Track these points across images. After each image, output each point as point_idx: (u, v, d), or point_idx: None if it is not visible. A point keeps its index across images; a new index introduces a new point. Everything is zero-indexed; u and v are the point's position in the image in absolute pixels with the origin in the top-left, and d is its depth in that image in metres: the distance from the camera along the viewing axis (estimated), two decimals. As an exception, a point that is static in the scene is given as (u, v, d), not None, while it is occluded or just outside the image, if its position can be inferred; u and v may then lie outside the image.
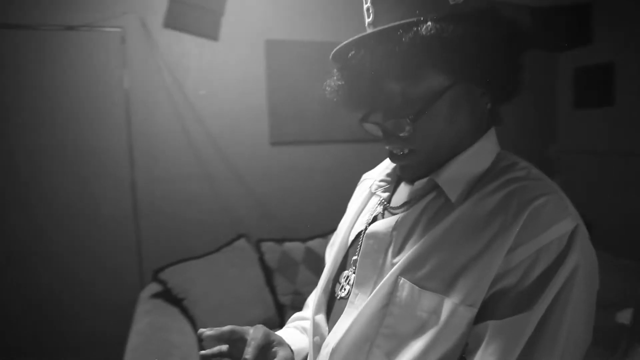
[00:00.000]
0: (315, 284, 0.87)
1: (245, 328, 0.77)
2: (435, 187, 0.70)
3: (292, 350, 0.82)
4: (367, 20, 0.69)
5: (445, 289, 0.62)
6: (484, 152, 0.70)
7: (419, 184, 0.72)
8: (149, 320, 2.08)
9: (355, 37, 0.66)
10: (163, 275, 2.33)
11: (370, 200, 0.84)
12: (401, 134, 0.66)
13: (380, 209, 0.79)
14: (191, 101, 2.73)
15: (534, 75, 3.50)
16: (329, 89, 0.76)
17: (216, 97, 2.78)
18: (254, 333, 0.76)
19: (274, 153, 2.92)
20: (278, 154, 2.93)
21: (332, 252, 0.84)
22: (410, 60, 0.61)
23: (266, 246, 2.64)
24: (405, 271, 0.66)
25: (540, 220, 0.59)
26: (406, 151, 0.69)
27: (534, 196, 0.61)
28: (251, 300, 2.36)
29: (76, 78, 2.54)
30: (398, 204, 0.75)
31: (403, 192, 0.77)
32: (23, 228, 2.53)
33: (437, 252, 0.64)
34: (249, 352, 0.72)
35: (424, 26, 0.60)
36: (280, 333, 0.88)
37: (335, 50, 0.70)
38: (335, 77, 0.75)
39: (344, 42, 0.68)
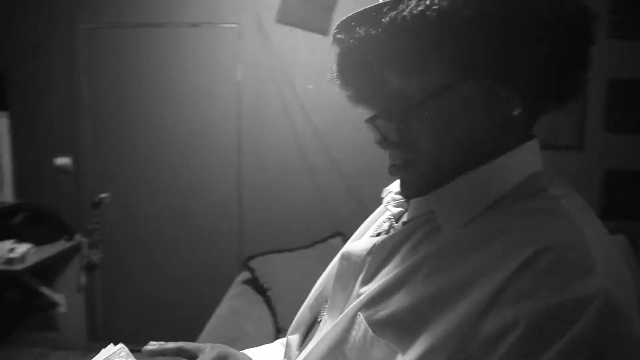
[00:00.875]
0: None
1: (201, 346, 0.66)
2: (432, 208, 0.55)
3: None
4: None
5: (400, 342, 0.48)
6: (505, 171, 0.52)
7: (415, 202, 0.58)
8: (231, 304, 2.15)
9: (343, 18, 0.54)
10: (252, 263, 2.39)
11: (383, 215, 0.70)
12: (391, 138, 0.54)
13: (386, 225, 0.66)
14: (299, 96, 2.75)
15: None
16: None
17: (324, 93, 2.77)
18: (207, 354, 0.64)
19: (381, 151, 2.80)
20: (385, 152, 2.80)
21: (328, 266, 0.73)
22: (399, 47, 0.48)
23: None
24: (366, 307, 0.53)
25: (537, 275, 0.42)
26: (400, 162, 0.55)
27: (540, 238, 0.44)
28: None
29: (195, 72, 2.75)
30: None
31: None
32: (141, 208, 2.85)
33: (404, 291, 0.50)
34: None
35: (414, 2, 0.46)
36: (259, 349, 0.78)
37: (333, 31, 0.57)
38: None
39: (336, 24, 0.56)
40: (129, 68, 2.77)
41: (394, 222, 0.64)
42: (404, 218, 0.62)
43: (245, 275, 2.50)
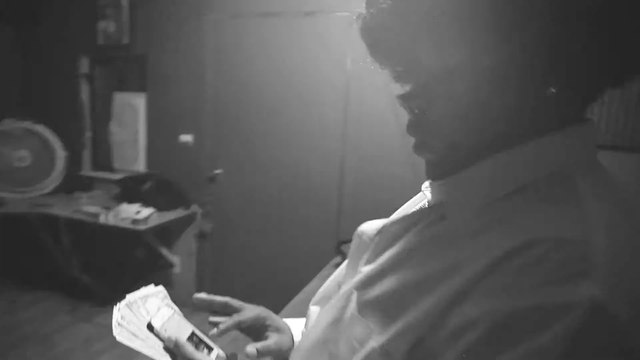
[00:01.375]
0: None
1: (245, 305, 0.72)
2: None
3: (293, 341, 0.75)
4: None
5: (380, 324, 0.46)
6: (533, 157, 0.43)
7: (435, 187, 0.52)
8: (319, 285, 2.23)
9: None
10: (344, 248, 2.45)
11: (421, 200, 0.64)
12: (409, 116, 0.48)
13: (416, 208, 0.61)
14: (407, 87, 2.72)
15: None
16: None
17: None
18: (245, 312, 0.70)
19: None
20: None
21: None
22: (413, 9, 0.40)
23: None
24: (360, 287, 0.52)
25: (516, 271, 0.36)
26: (418, 142, 0.49)
27: (535, 229, 0.38)
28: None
29: (306, 60, 2.86)
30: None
31: None
32: (250, 186, 3.07)
33: (394, 275, 0.48)
34: (220, 326, 0.68)
35: None
36: (300, 320, 0.79)
37: None
38: None
39: None
40: (247, 56, 2.98)
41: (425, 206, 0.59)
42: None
43: (338, 259, 2.57)
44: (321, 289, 0.72)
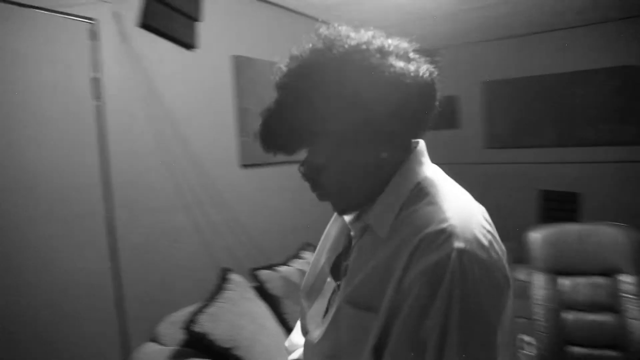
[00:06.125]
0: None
1: None
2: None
3: None
4: None
5: (359, 304, 0.73)
6: (399, 186, 0.75)
7: (352, 220, 0.82)
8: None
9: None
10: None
11: (338, 228, 0.95)
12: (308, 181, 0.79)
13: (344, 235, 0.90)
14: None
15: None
16: None
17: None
18: None
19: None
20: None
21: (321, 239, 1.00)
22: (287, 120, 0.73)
23: (264, 275, 2.31)
24: (343, 291, 0.79)
25: (420, 253, 0.65)
26: (319, 196, 0.80)
27: (421, 228, 0.67)
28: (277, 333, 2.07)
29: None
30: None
31: None
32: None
33: (357, 275, 0.75)
34: None
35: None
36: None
37: None
38: None
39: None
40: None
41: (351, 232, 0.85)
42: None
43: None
44: (306, 283, 0.94)
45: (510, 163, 4.14)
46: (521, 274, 2.32)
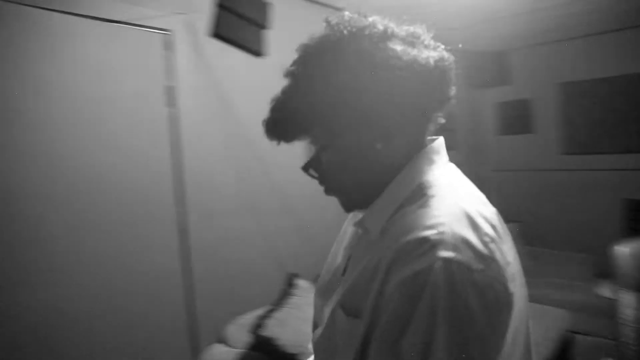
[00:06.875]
0: None
1: None
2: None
3: None
4: None
5: (350, 309, 0.70)
6: (400, 184, 0.72)
7: (356, 219, 0.79)
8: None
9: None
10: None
11: (348, 229, 0.96)
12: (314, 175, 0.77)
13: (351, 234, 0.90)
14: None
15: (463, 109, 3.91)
16: None
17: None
18: None
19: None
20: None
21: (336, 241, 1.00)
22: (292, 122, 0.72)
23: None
24: (338, 292, 0.77)
25: (402, 259, 0.60)
26: (325, 190, 0.78)
27: (409, 231, 0.62)
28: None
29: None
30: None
31: None
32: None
33: (350, 278, 0.73)
34: None
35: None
36: None
37: None
38: None
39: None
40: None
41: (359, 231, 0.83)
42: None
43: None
44: (321, 284, 0.90)
45: (590, 170, 3.85)
46: (606, 291, 2.14)
